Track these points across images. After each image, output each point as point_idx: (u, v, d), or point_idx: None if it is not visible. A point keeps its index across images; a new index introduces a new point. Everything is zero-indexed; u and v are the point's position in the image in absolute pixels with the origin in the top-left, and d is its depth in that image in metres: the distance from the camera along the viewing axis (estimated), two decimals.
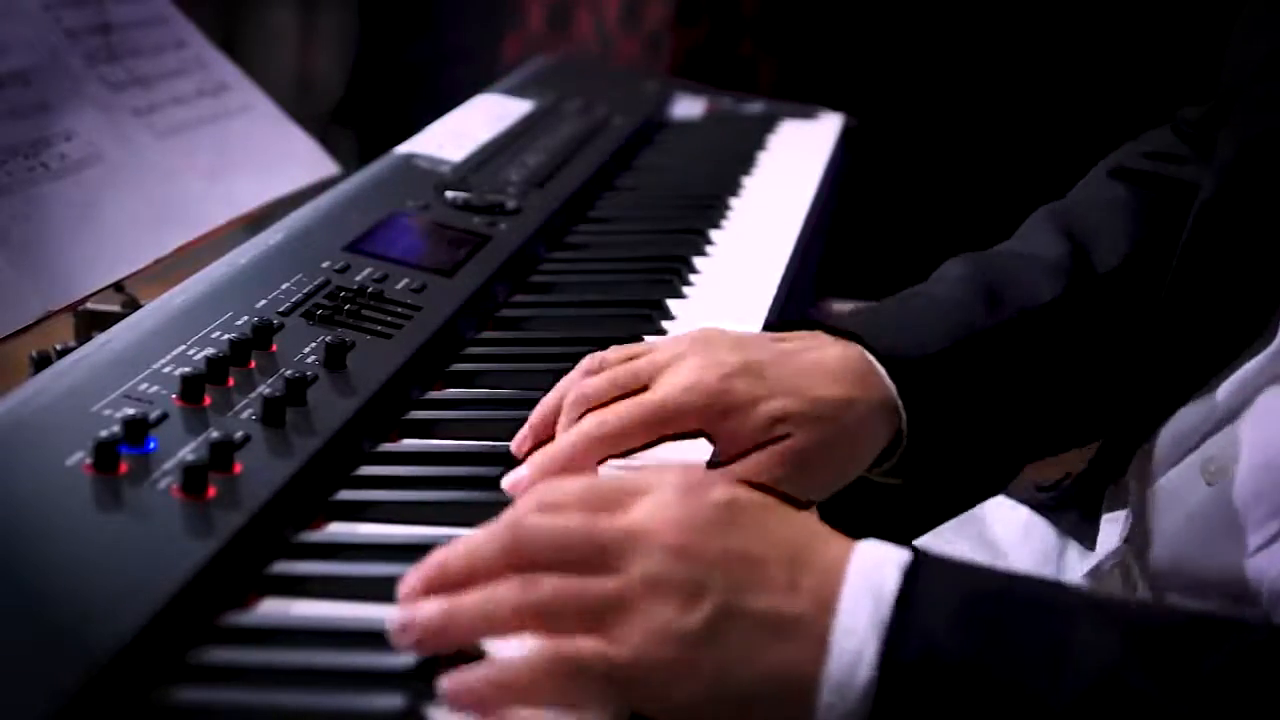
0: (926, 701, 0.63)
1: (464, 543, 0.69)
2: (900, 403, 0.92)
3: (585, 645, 0.65)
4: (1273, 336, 0.90)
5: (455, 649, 0.67)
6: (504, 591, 0.66)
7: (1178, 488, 0.94)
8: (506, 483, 0.84)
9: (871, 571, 0.66)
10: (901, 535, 0.99)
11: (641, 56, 2.64)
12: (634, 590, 0.66)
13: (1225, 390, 0.93)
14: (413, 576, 0.68)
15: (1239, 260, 0.94)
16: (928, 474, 0.95)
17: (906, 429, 0.92)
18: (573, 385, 0.89)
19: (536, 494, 0.72)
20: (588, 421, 0.85)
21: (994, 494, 1.05)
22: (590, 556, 0.67)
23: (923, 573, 0.66)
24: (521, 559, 0.67)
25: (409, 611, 0.67)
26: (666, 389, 0.87)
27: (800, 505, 0.79)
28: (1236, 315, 0.93)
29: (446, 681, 0.65)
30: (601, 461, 0.86)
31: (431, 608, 0.67)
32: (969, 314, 0.98)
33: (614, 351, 0.91)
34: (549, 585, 0.66)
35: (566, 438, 0.85)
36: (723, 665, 0.65)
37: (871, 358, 0.92)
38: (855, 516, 0.98)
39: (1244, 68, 1.00)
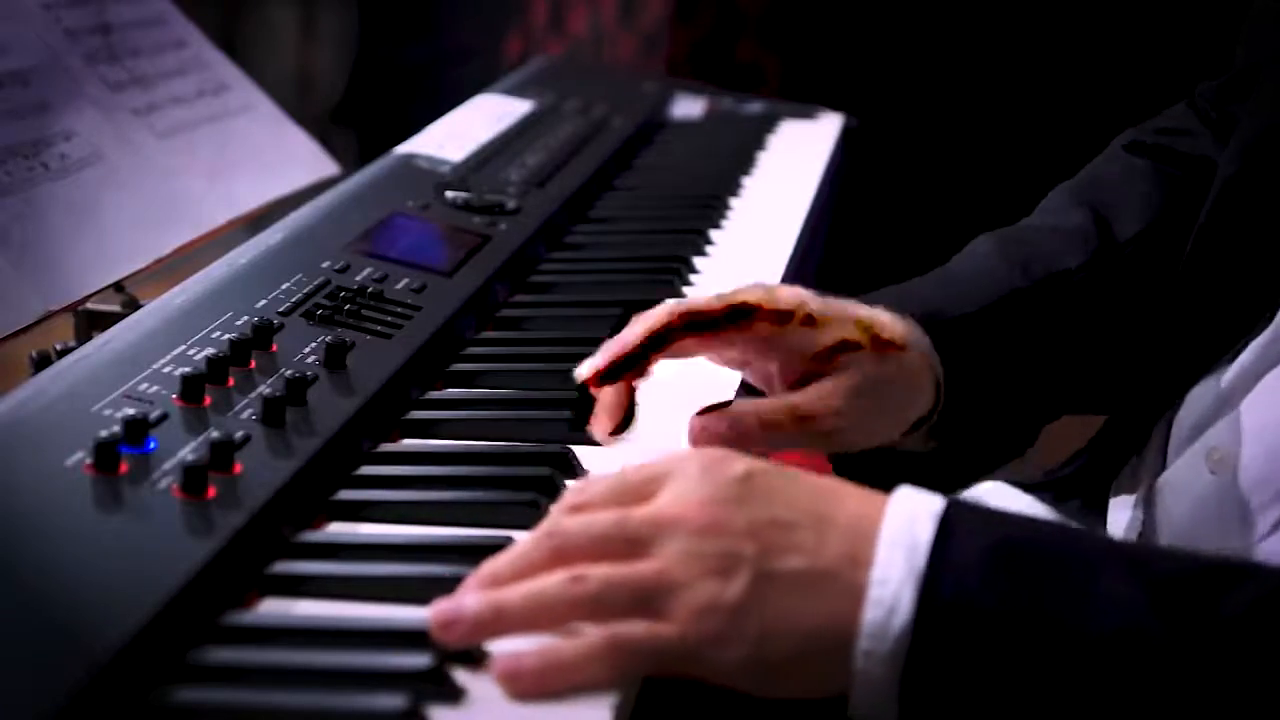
0: (958, 646, 0.67)
1: (508, 552, 0.72)
2: (937, 360, 0.94)
3: (637, 627, 0.68)
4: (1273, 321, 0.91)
5: (494, 639, 0.70)
6: (554, 583, 0.69)
7: (1183, 478, 0.95)
8: (582, 371, 0.88)
9: (906, 523, 0.70)
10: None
11: (637, 54, 2.63)
12: (674, 571, 0.69)
13: (1228, 376, 0.93)
14: (467, 584, 0.71)
15: (1255, 242, 0.95)
16: (961, 434, 0.97)
17: (944, 387, 0.94)
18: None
19: (566, 499, 0.75)
20: (671, 305, 0.88)
21: (1017, 456, 1.06)
22: (628, 546, 0.70)
23: (956, 523, 0.69)
24: (565, 558, 0.70)
25: (453, 605, 0.69)
26: (764, 289, 0.90)
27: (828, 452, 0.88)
28: (1247, 297, 0.94)
29: (499, 663, 0.68)
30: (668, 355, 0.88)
31: (478, 600, 0.69)
32: (1002, 278, 1.00)
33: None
34: (597, 575, 0.69)
35: (651, 312, 0.88)
36: (765, 628, 0.68)
37: (912, 321, 0.94)
38: (883, 479, 1.00)
39: (1264, 45, 1.00)
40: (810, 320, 0.89)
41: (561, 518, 0.73)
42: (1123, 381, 1.05)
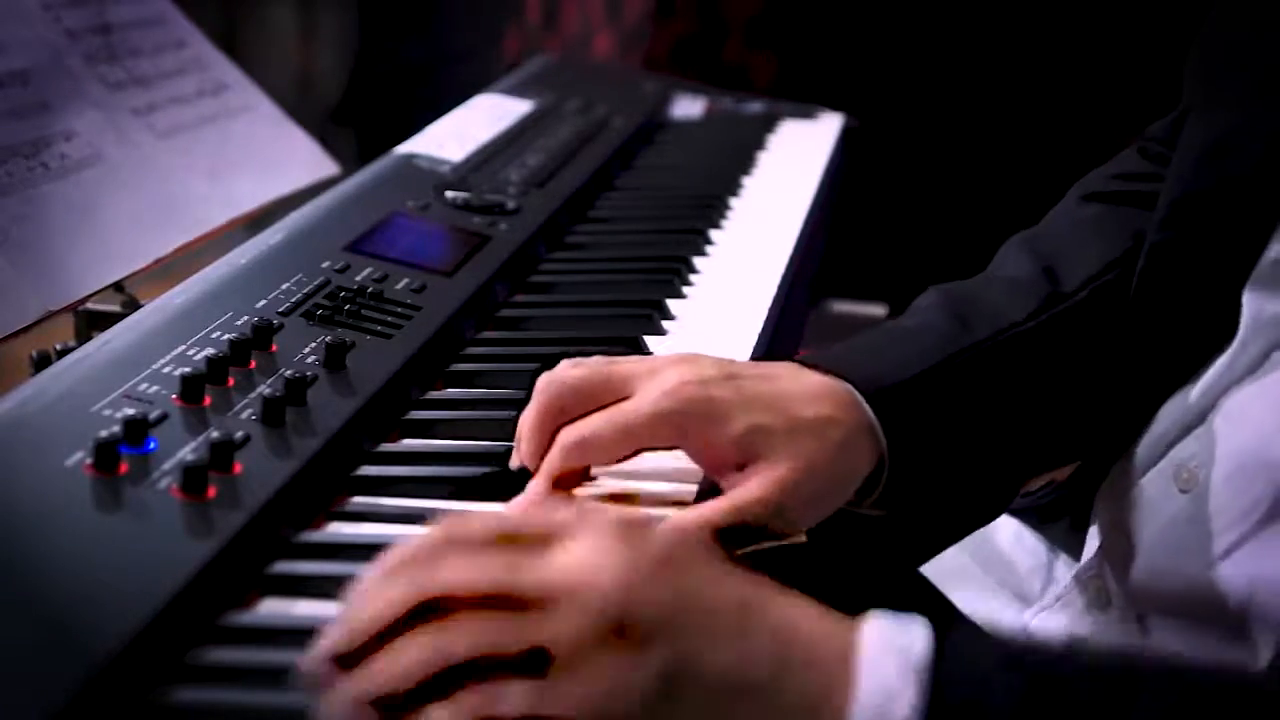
0: None
1: (367, 595, 0.63)
2: (880, 429, 0.90)
3: (516, 702, 0.59)
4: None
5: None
6: (413, 654, 0.61)
7: (1152, 496, 0.94)
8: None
9: (894, 631, 0.63)
10: (895, 567, 0.99)
11: (618, 51, 2.63)
12: (571, 643, 0.60)
13: (1194, 394, 0.93)
14: (324, 646, 0.62)
15: (1206, 260, 0.94)
16: (912, 502, 0.93)
17: (888, 455, 0.90)
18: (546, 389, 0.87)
19: (437, 531, 0.65)
20: (564, 435, 0.84)
21: (989, 520, 1.04)
22: (511, 603, 0.61)
23: (951, 633, 0.63)
24: (427, 595, 0.62)
25: (328, 705, 0.62)
26: (643, 395, 0.85)
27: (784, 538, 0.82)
28: (1204, 318, 0.93)
29: None
30: (585, 473, 0.86)
31: (344, 694, 0.61)
32: (942, 338, 0.97)
33: (591, 361, 0.90)
34: (464, 643, 0.60)
35: (546, 461, 0.84)
36: None
37: (850, 387, 0.91)
38: (847, 550, 0.97)
39: (1203, 77, 1.00)
40: (715, 415, 0.84)
41: (435, 557, 0.63)
42: (1091, 422, 1.01)
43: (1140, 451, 0.97)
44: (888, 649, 0.62)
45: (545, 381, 0.87)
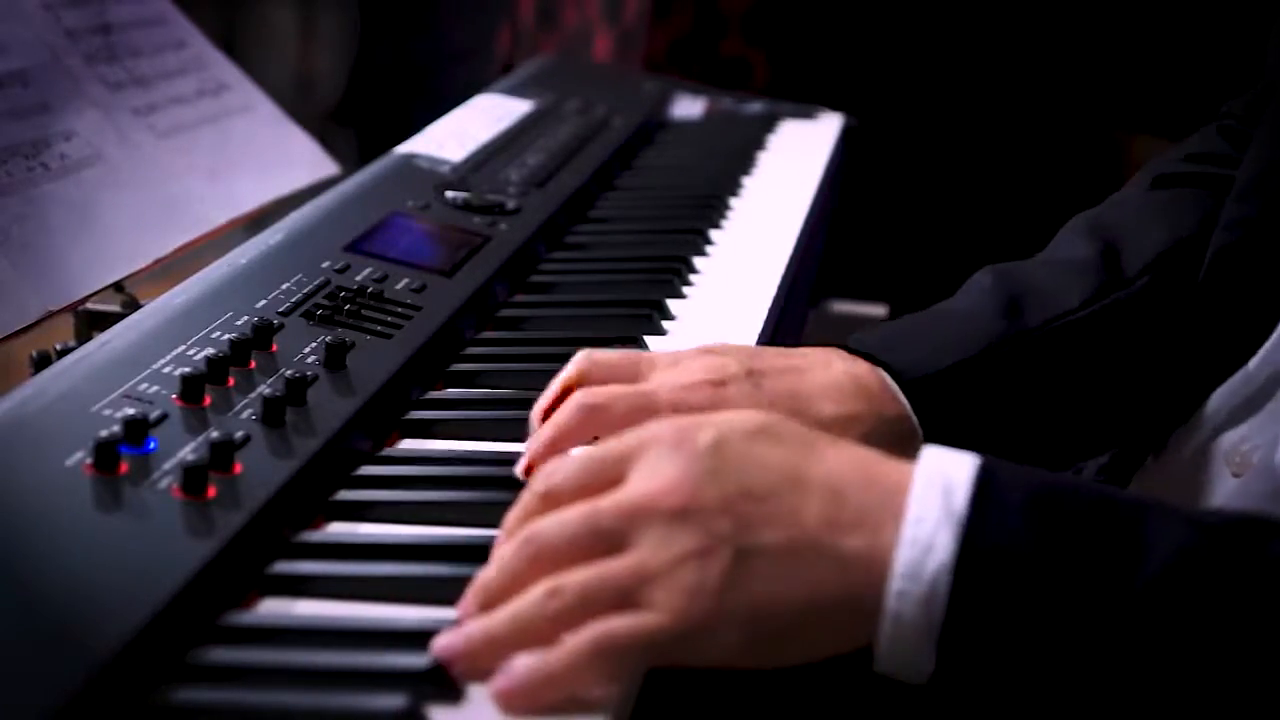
0: (1000, 588, 0.65)
1: (492, 563, 0.71)
2: (916, 420, 0.89)
3: (620, 623, 0.66)
4: None
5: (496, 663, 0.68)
6: (533, 601, 0.68)
7: (1201, 479, 0.92)
8: (518, 469, 0.84)
9: (940, 467, 0.68)
10: None
11: (616, 51, 2.64)
12: (651, 561, 0.67)
13: (1254, 374, 0.90)
14: (464, 603, 0.70)
15: (1262, 280, 0.92)
16: None
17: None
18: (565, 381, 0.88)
19: (535, 483, 0.73)
20: (578, 395, 0.85)
21: None
22: (602, 541, 0.69)
23: (994, 469, 0.68)
24: (543, 562, 0.69)
25: (450, 642, 0.68)
26: (660, 380, 0.86)
27: None
28: (1269, 305, 0.91)
29: (494, 684, 0.66)
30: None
31: (472, 630, 0.68)
32: (988, 325, 0.95)
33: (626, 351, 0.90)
34: (573, 584, 0.68)
35: (556, 414, 0.85)
36: (754, 606, 0.66)
37: (886, 375, 0.90)
38: None
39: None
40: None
41: (536, 518, 0.71)
42: (1139, 414, 0.99)
43: (1188, 434, 0.94)
44: (931, 493, 0.67)
45: (583, 353, 0.88)
